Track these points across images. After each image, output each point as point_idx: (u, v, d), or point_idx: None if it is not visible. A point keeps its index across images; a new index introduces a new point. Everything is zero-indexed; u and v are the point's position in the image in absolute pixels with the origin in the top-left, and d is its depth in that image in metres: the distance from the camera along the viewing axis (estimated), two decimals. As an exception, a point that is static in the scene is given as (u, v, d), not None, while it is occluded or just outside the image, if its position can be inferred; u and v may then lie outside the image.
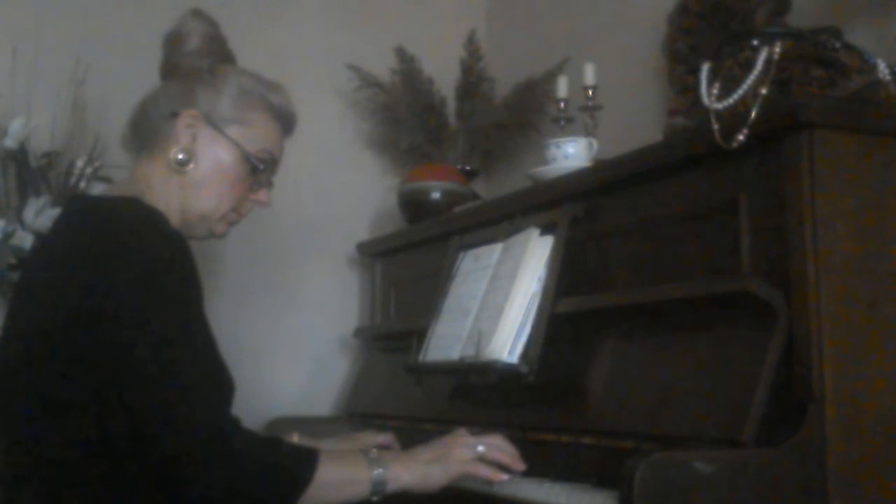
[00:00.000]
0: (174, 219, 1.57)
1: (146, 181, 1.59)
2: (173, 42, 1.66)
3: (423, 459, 1.50)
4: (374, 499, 1.46)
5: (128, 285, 1.39)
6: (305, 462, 1.41)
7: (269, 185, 1.70)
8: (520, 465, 1.55)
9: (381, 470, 1.45)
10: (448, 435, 1.57)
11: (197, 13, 1.67)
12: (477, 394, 1.97)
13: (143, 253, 1.41)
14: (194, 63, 1.64)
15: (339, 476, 1.43)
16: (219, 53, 1.67)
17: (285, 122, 1.69)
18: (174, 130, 1.59)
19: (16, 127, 2.18)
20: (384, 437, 1.90)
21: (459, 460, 1.51)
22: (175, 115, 1.59)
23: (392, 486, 1.46)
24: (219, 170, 1.61)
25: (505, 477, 1.52)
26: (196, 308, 1.45)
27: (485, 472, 1.52)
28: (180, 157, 1.58)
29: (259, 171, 1.65)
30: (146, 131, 1.62)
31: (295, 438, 1.84)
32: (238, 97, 1.62)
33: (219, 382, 1.45)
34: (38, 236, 2.10)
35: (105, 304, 1.38)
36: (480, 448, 1.53)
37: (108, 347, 1.37)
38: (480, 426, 1.87)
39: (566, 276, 1.80)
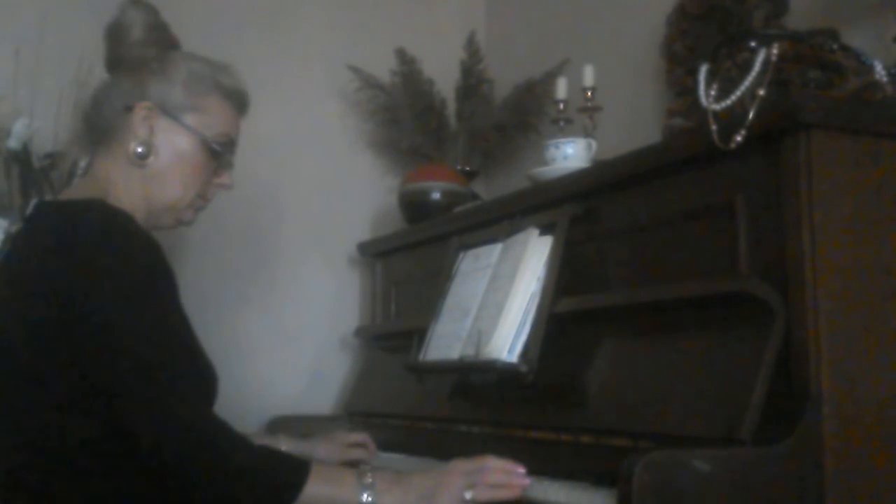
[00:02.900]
0: (140, 212, 1.56)
1: (107, 177, 1.58)
2: (116, 34, 1.64)
3: (416, 493, 1.43)
4: None
5: (97, 289, 1.38)
6: (294, 475, 1.39)
7: (231, 166, 1.69)
8: (524, 480, 1.48)
9: (370, 496, 1.40)
10: (444, 469, 1.48)
11: (136, 1, 1.64)
12: (477, 393, 1.97)
13: (112, 256, 1.41)
14: (141, 53, 1.61)
15: (327, 494, 1.40)
16: (163, 41, 1.65)
17: (238, 102, 1.68)
18: (130, 124, 1.57)
19: (19, 127, 2.18)
20: (358, 436, 1.91)
21: (458, 494, 1.43)
22: (129, 108, 1.58)
23: None
24: (180, 159, 1.60)
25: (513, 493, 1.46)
26: (170, 306, 1.44)
27: (491, 498, 1.45)
28: (140, 150, 1.56)
29: (220, 155, 1.64)
30: (100, 127, 1.61)
31: (281, 439, 1.88)
32: (190, 83, 1.61)
33: (199, 382, 1.44)
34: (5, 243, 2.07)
35: (76, 309, 1.37)
36: (468, 497, 1.44)
37: (81, 353, 1.37)
38: (480, 426, 1.88)
39: (566, 276, 1.80)
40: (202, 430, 1.38)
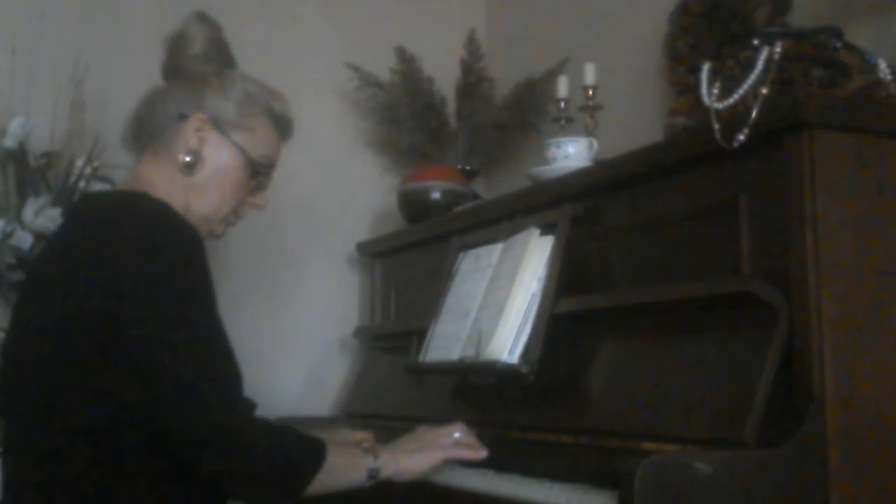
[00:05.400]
0: None
1: (149, 180, 1.61)
2: (178, 44, 1.68)
3: (409, 449, 1.63)
4: (368, 485, 1.56)
5: (142, 274, 1.42)
6: (316, 449, 1.50)
7: (265, 188, 1.74)
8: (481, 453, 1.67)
9: (374, 459, 1.56)
10: (418, 429, 1.69)
11: (201, 16, 1.70)
12: (477, 394, 1.97)
13: (155, 243, 1.45)
14: (200, 67, 1.66)
15: (342, 463, 1.53)
16: (222, 58, 1.70)
17: (284, 128, 1.73)
18: (182, 133, 1.61)
19: (15, 126, 2.18)
20: (361, 434, 1.93)
21: (441, 447, 1.64)
22: (183, 117, 1.62)
23: (385, 473, 1.57)
24: (223, 173, 1.64)
25: (485, 452, 1.65)
26: (209, 296, 1.49)
27: (466, 453, 1.65)
28: (188, 159, 1.61)
29: (259, 175, 1.68)
30: (151, 130, 1.64)
31: None
32: (244, 103, 1.65)
33: (230, 371, 1.49)
34: (44, 236, 2.10)
35: (119, 294, 1.40)
36: (457, 434, 1.67)
37: (123, 337, 1.40)
38: (480, 426, 1.87)
39: (566, 276, 1.80)
40: (231, 411, 1.44)
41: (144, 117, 1.66)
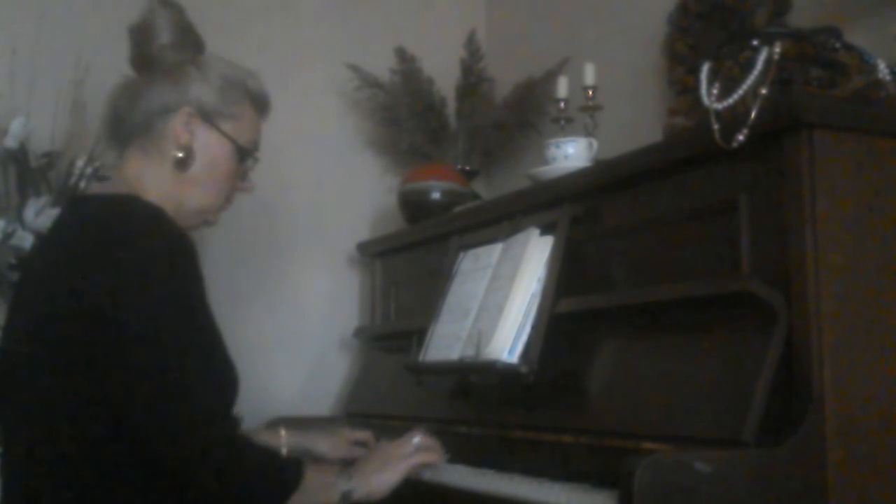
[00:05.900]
0: (169, 213, 1.56)
1: (138, 177, 1.59)
2: (146, 34, 1.63)
3: (374, 469, 1.63)
4: None
5: (131, 283, 1.40)
6: (294, 468, 1.52)
7: (252, 170, 1.72)
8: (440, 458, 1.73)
9: (347, 481, 1.58)
10: (379, 445, 1.76)
11: (164, 0, 1.64)
12: (477, 394, 1.97)
13: (147, 251, 1.43)
14: (174, 56, 1.61)
15: (317, 483, 1.54)
16: (193, 43, 1.65)
17: (263, 107, 1.71)
18: (170, 128, 1.58)
19: (16, 127, 2.18)
20: (362, 434, 1.93)
21: (404, 457, 1.66)
22: (170, 111, 1.58)
23: (357, 495, 1.59)
24: (215, 164, 1.62)
25: (445, 455, 1.72)
26: (200, 303, 1.47)
27: (427, 458, 1.69)
28: (181, 155, 1.58)
29: (248, 160, 1.67)
30: (134, 126, 1.60)
31: (282, 433, 1.89)
32: (226, 90, 1.62)
33: (221, 381, 1.47)
34: (39, 236, 2.10)
35: (108, 301, 1.39)
36: (416, 440, 1.70)
37: (110, 345, 1.39)
38: (480, 426, 1.88)
39: (566, 276, 1.80)
40: (214, 429, 1.44)
41: (125, 113, 1.61)
